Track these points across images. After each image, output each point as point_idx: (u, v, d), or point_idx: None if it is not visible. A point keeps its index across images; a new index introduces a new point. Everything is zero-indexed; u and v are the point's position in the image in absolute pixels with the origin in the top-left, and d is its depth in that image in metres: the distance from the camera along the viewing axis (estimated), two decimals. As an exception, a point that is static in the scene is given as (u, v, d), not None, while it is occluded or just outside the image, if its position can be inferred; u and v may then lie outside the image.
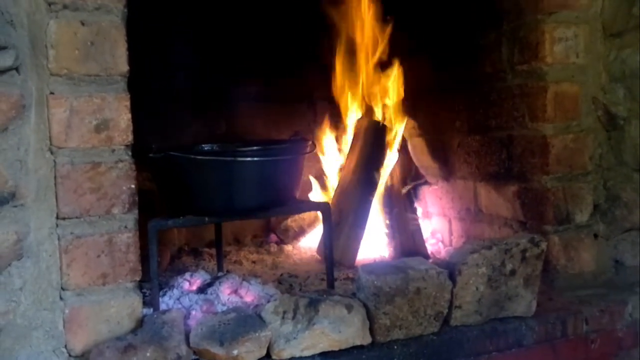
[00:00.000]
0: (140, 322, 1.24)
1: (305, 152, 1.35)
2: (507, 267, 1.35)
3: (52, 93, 1.19)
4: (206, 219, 1.32)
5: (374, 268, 1.34)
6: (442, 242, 2.15)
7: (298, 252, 2.17)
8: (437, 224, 2.18)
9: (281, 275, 1.86)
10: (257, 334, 1.20)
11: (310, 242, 2.21)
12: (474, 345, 1.34)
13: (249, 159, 1.21)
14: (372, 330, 1.27)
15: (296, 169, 1.34)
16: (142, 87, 1.33)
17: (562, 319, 1.42)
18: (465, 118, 1.91)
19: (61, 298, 1.20)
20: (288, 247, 2.21)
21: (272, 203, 1.33)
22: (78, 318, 1.20)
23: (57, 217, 1.19)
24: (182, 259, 2.08)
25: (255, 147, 1.25)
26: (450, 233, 2.11)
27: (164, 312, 1.26)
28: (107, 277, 1.22)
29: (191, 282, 1.63)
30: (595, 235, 1.65)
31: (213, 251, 2.07)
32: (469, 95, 1.89)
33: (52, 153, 1.19)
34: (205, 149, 1.34)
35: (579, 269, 1.62)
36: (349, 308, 1.25)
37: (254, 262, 2.07)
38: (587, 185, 1.64)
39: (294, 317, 1.25)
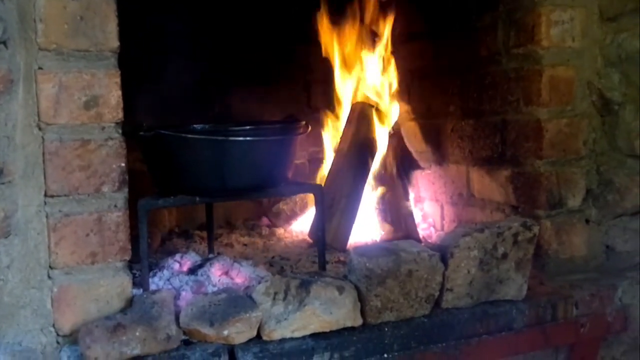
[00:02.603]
0: (130, 302, 1.23)
1: (298, 133, 1.33)
2: (499, 250, 1.35)
3: (40, 68, 1.17)
4: (197, 198, 1.30)
5: (365, 250, 1.34)
6: (434, 226, 2.14)
7: (290, 235, 2.16)
8: (429, 209, 2.18)
9: (272, 257, 1.85)
10: (247, 315, 1.20)
11: (302, 225, 2.20)
12: (464, 328, 1.34)
13: (241, 138, 1.19)
14: (363, 312, 1.27)
15: (289, 150, 1.33)
16: (134, 66, 1.31)
17: (553, 302, 1.43)
18: (460, 102, 1.90)
19: (49, 277, 1.18)
20: (280, 231, 2.20)
21: (264, 184, 1.32)
22: (66, 297, 1.19)
23: (46, 195, 1.17)
24: (173, 241, 2.06)
25: (247, 127, 1.24)
26: (442, 218, 2.10)
27: (154, 292, 1.25)
28: (97, 256, 1.20)
29: (181, 263, 1.62)
30: (587, 221, 1.65)
31: (204, 234, 2.05)
32: (463, 79, 1.87)
33: (40, 129, 1.17)
34: (197, 128, 1.32)
35: (570, 253, 1.62)
36: (340, 289, 1.25)
37: (245, 244, 2.06)
38: (580, 170, 1.64)
39: (284, 298, 1.24)
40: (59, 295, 1.18)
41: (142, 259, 1.28)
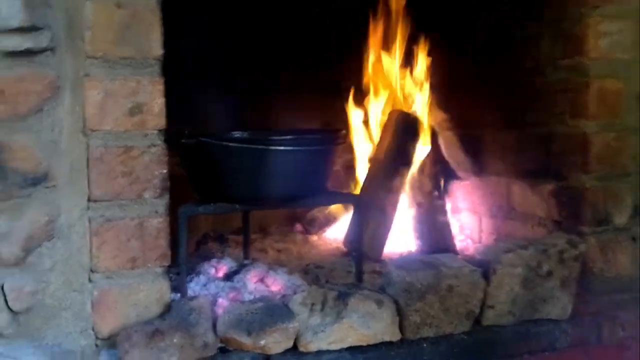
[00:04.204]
0: (168, 308, 1.23)
1: (338, 142, 1.32)
2: (543, 268, 1.31)
3: (87, 75, 1.18)
4: (237, 206, 1.30)
5: (404, 263, 1.32)
6: (471, 238, 2.11)
7: (324, 242, 2.14)
8: (466, 220, 2.14)
9: (307, 265, 1.83)
10: (284, 325, 1.19)
11: (336, 233, 2.18)
12: (505, 346, 1.30)
13: (282, 147, 1.19)
14: (401, 327, 1.25)
15: (329, 159, 1.32)
16: (172, 72, 1.32)
17: (598, 323, 1.38)
18: (501, 113, 1.86)
19: (90, 280, 1.19)
20: (313, 238, 2.19)
21: (303, 193, 1.31)
22: (106, 301, 1.20)
23: (89, 200, 1.18)
24: (208, 245, 2.06)
25: (289, 136, 1.23)
26: (480, 230, 2.06)
27: (192, 298, 1.25)
28: (137, 261, 1.21)
29: (217, 268, 1.62)
30: (634, 239, 1.59)
31: (238, 238, 2.05)
32: (505, 90, 1.84)
33: (85, 135, 1.18)
34: (238, 136, 1.32)
35: (616, 272, 1.57)
36: (379, 303, 1.23)
37: (279, 250, 2.05)
38: (627, 186, 1.58)
39: (322, 310, 1.23)
40: (100, 298, 1.19)
41: (180, 265, 1.28)
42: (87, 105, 1.18)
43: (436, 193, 2.08)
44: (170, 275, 1.38)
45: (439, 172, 2.11)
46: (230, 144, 1.19)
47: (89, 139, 1.18)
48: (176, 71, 1.27)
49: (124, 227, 1.20)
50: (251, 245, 1.93)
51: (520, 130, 1.79)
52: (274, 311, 1.22)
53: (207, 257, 1.89)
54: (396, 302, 1.25)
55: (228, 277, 1.53)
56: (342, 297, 1.23)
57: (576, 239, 1.34)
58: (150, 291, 1.22)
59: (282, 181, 1.26)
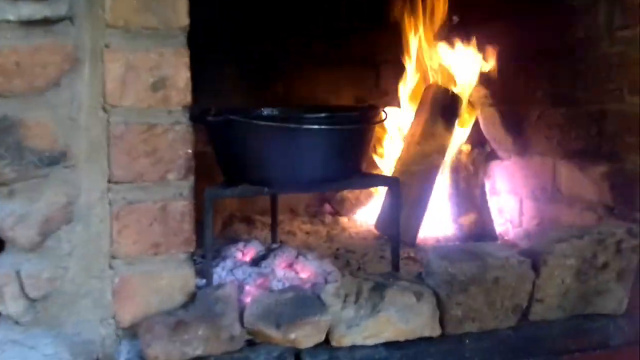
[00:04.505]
0: (192, 296, 1.16)
1: (376, 121, 1.22)
2: (599, 259, 1.20)
3: (107, 46, 1.09)
4: (265, 189, 1.21)
5: (446, 252, 1.22)
6: (511, 222, 1.99)
7: (354, 225, 2.06)
8: (506, 203, 2.02)
9: (337, 249, 1.75)
10: (316, 318, 1.11)
11: (366, 215, 2.09)
12: (554, 343, 1.21)
13: (316, 126, 1.09)
14: (442, 321, 1.16)
15: (365, 139, 1.22)
16: (195, 45, 1.22)
17: (656, 319, 1.27)
18: (549, 88, 1.74)
19: (111, 266, 1.12)
20: (343, 219, 2.10)
21: (337, 176, 1.21)
22: (127, 288, 1.13)
23: (109, 181, 1.11)
24: (234, 227, 1.99)
25: (323, 114, 1.13)
26: (521, 213, 1.95)
27: (218, 287, 1.17)
28: (160, 246, 1.14)
29: (244, 252, 1.54)
30: (695, 227, 1.47)
31: (266, 219, 1.98)
32: (555, 63, 1.70)
33: (105, 111, 1.10)
34: (268, 113, 1.22)
35: (675, 263, 1.45)
36: (418, 296, 1.14)
37: (307, 232, 1.97)
38: (689, 170, 1.45)
39: (356, 302, 1.14)
40: (120, 286, 1.13)
41: (206, 251, 1.21)
42: (107, 79, 1.09)
43: (475, 174, 1.97)
44: (195, 258, 1.31)
45: (479, 151, 2.00)
46: (261, 122, 1.10)
47: (109, 115, 1.10)
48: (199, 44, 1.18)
49: (146, 210, 1.12)
50: (279, 227, 1.86)
51: (569, 107, 1.67)
52: (305, 302, 1.14)
53: (234, 240, 1.82)
54: (437, 295, 1.16)
55: (255, 262, 1.46)
56: (379, 289, 1.14)
57: (636, 229, 1.22)
58: (173, 279, 1.15)
59: (314, 162, 1.16)
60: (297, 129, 1.09)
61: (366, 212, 2.10)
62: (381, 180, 1.41)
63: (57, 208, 1.08)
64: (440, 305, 1.15)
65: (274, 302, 1.14)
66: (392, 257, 1.29)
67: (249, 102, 2.04)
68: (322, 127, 1.08)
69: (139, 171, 1.11)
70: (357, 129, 1.16)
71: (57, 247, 1.09)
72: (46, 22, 1.05)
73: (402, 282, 1.17)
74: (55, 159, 1.07)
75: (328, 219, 2.10)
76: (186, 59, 1.13)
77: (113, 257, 1.12)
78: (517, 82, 1.87)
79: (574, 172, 1.66)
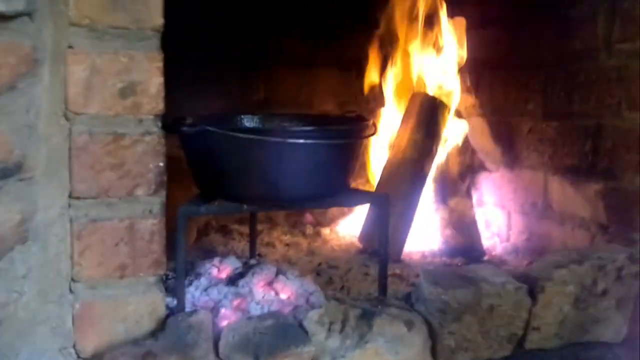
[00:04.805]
0: (163, 323, 1.05)
1: (367, 135, 1.13)
2: (599, 286, 1.13)
3: (70, 47, 0.98)
4: (244, 206, 1.11)
5: (438, 277, 1.13)
6: (499, 236, 1.92)
7: (336, 237, 1.97)
8: (493, 216, 1.96)
9: (319, 264, 1.67)
10: (298, 350, 1.01)
11: (349, 226, 2.00)
12: (551, 375, 1.13)
13: (302, 140, 0.99)
14: (433, 352, 1.08)
15: (354, 154, 1.12)
16: (173, 44, 1.12)
17: (655, 348, 1.20)
18: (542, 100, 1.67)
19: (71, 291, 1.01)
20: (325, 231, 2.02)
21: (323, 192, 1.12)
22: (90, 315, 1.02)
23: (70, 196, 1.00)
24: (210, 237, 1.89)
25: (310, 127, 1.04)
26: (509, 227, 1.89)
27: (191, 313, 1.07)
28: (126, 269, 1.03)
29: (220, 269, 1.44)
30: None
31: (243, 229, 1.88)
32: (549, 75, 1.64)
33: (67, 119, 0.99)
34: (249, 125, 1.12)
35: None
36: (409, 325, 1.05)
37: (287, 245, 1.88)
38: (688, 189, 1.39)
39: (342, 330, 1.05)
40: (82, 312, 1.02)
41: (178, 274, 1.10)
42: (70, 83, 0.99)
43: (462, 186, 1.90)
44: (167, 273, 1.21)
45: (466, 162, 1.93)
46: (241, 135, 1.00)
47: (71, 124, 1.00)
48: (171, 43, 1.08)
49: (111, 229, 1.02)
50: (257, 237, 1.76)
51: (564, 121, 1.60)
52: (286, 331, 1.05)
53: (209, 252, 1.73)
54: (428, 324, 1.07)
55: (232, 280, 1.35)
56: (366, 317, 1.05)
57: (636, 254, 1.15)
58: (141, 304, 1.04)
59: (299, 178, 1.07)
60: (281, 143, 1.00)
61: (349, 223, 2.01)
62: (369, 197, 1.31)
63: (10, 225, 0.96)
64: (432, 334, 1.07)
65: (252, 330, 1.04)
66: (379, 279, 1.20)
67: (228, 105, 1.94)
68: (309, 141, 0.99)
69: (103, 186, 1.01)
70: (346, 143, 1.06)
71: (10, 269, 0.97)
72: (1, 19, 0.94)
73: (391, 308, 1.08)
74: (9, 171, 0.96)
75: (309, 229, 2.01)
76: (159, 63, 1.03)
77: (74, 280, 1.01)
78: (508, 92, 1.81)
79: (567, 189, 1.60)
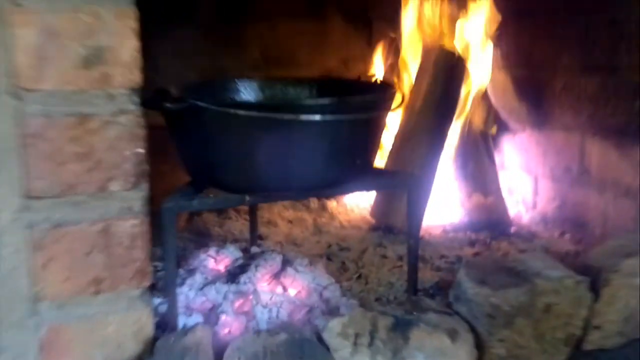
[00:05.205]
0: (151, 344, 0.87)
1: (395, 107, 0.91)
2: (671, 276, 0.95)
3: (18, 5, 0.78)
4: (247, 197, 0.91)
5: (483, 272, 0.94)
6: (524, 203, 1.74)
7: (344, 210, 1.78)
8: (516, 181, 1.77)
9: (329, 246, 1.48)
10: (319, 371, 0.83)
11: (358, 198, 1.81)
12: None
13: (318, 116, 0.78)
14: (481, 364, 0.90)
15: (379, 128, 0.91)
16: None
17: None
18: (579, 52, 1.46)
19: (35, 312, 0.82)
20: (331, 204, 1.82)
21: (344, 176, 0.91)
22: (59, 341, 0.84)
23: (26, 196, 0.80)
24: (203, 217, 1.69)
25: (328, 101, 0.82)
26: (536, 193, 1.70)
27: (185, 331, 0.88)
28: (102, 283, 0.84)
29: (217, 259, 1.26)
30: None
31: (240, 207, 1.69)
32: (588, 22, 1.42)
33: (17, 98, 0.79)
34: (249, 96, 0.90)
35: None
36: (453, 335, 0.87)
37: (290, 222, 1.69)
38: None
39: (370, 344, 0.87)
40: (49, 338, 0.83)
41: (168, 286, 0.90)
42: (18, 52, 0.79)
43: (485, 149, 1.71)
44: (156, 264, 1.02)
45: (489, 123, 1.73)
46: (238, 112, 0.78)
47: (22, 103, 0.79)
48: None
49: (80, 234, 0.83)
50: (256, 213, 1.55)
51: (606, 75, 1.40)
52: (303, 347, 0.87)
53: (203, 235, 1.54)
54: (474, 331, 0.89)
55: (232, 275, 1.17)
56: (400, 327, 0.87)
57: None
58: (123, 324, 0.86)
59: (316, 162, 0.86)
60: (294, 121, 0.78)
61: (357, 195, 1.82)
62: (399, 180, 1.07)
63: (-48, 236, 0.77)
64: (479, 344, 0.89)
65: (261, 349, 0.86)
66: (408, 277, 1.01)
67: (217, 67, 1.72)
68: (327, 117, 0.77)
69: (68, 181, 0.81)
70: (372, 117, 0.85)
71: (-45, 291, 0.78)
72: None
73: (429, 314, 0.90)
74: (-55, 168, 0.75)
75: (313, 203, 1.82)
76: (133, 22, 0.82)
77: (37, 299, 0.82)
78: (537, 43, 1.59)
79: (609, 152, 1.41)
